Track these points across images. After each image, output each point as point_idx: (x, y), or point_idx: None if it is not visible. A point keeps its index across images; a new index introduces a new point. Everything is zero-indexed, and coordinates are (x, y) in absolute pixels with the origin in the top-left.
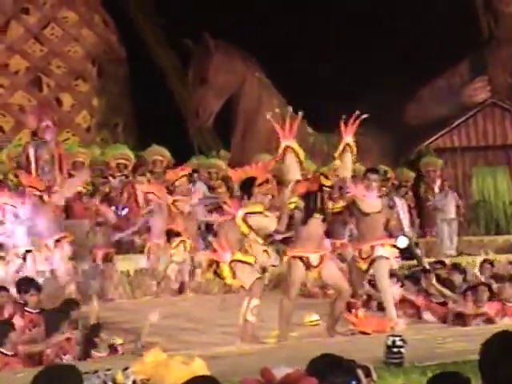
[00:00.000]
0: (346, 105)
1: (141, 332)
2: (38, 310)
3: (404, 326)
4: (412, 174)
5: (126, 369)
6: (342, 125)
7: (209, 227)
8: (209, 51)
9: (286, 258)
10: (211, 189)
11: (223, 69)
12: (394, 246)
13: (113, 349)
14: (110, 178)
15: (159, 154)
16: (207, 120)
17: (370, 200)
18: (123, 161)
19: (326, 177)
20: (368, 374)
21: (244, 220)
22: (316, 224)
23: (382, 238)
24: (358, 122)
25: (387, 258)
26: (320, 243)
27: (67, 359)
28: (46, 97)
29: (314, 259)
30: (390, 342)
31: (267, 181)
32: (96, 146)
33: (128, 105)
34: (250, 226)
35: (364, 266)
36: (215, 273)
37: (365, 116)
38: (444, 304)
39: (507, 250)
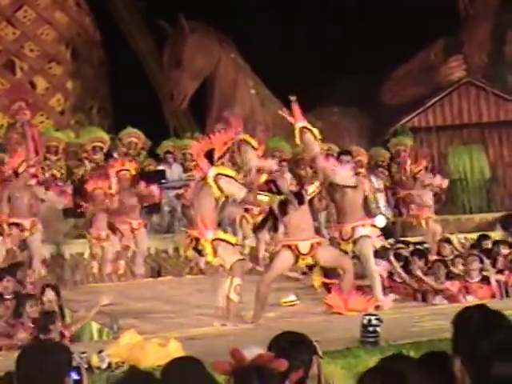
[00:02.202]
0: (323, 86)
1: (91, 313)
2: (12, 296)
3: (391, 304)
4: (387, 154)
5: (100, 351)
6: (288, 116)
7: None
8: (184, 33)
9: (278, 245)
10: (186, 170)
11: (198, 51)
12: (374, 225)
13: (62, 335)
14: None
15: (134, 136)
16: (182, 102)
17: (343, 172)
18: (99, 144)
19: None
20: (314, 351)
21: (215, 181)
22: (298, 211)
23: (362, 218)
24: (297, 107)
25: (369, 237)
26: (309, 230)
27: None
28: (19, 80)
29: (303, 247)
30: (365, 321)
31: (227, 150)
32: (71, 129)
33: (103, 88)
34: (221, 189)
35: (347, 247)
36: (195, 249)
37: (294, 98)
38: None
39: (484, 228)
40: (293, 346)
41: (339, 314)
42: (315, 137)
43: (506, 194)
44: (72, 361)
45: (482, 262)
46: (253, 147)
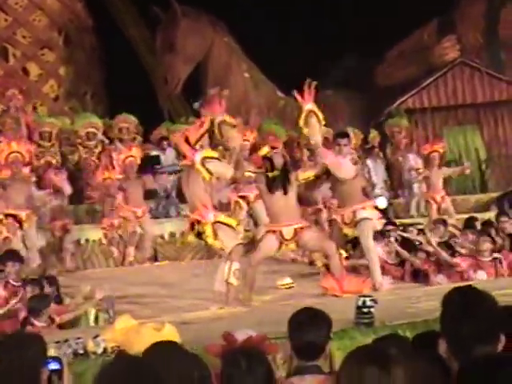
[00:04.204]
0: (317, 68)
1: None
2: (19, 283)
3: (389, 286)
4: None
5: (96, 336)
6: (298, 95)
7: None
8: (176, 17)
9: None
10: (180, 155)
11: (191, 35)
12: (376, 207)
13: (51, 320)
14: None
15: (125, 121)
16: (176, 87)
17: (345, 166)
18: (92, 129)
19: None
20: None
21: (203, 165)
22: (278, 198)
23: (362, 201)
24: (312, 89)
25: (370, 219)
26: (293, 216)
27: None
28: (12, 67)
29: (287, 233)
30: (360, 303)
31: (203, 134)
32: (65, 115)
33: (96, 74)
34: (209, 172)
35: (349, 232)
36: (198, 234)
37: (315, 83)
38: (400, 265)
39: (479, 209)
40: (312, 321)
41: (335, 296)
42: (320, 122)
43: (501, 175)
44: (47, 352)
45: (494, 242)
46: (233, 126)
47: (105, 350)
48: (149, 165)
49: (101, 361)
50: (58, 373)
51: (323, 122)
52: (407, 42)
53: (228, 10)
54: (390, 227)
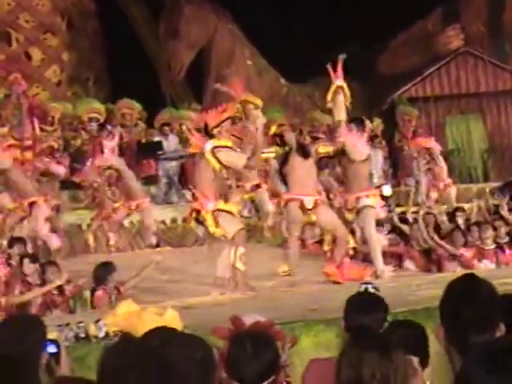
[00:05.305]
0: (320, 56)
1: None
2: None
3: (391, 274)
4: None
5: (98, 321)
6: (330, 69)
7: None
8: (180, 3)
9: (282, 203)
10: (183, 141)
11: (194, 21)
12: (381, 195)
13: (117, 289)
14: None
15: (127, 106)
16: (179, 72)
17: (360, 148)
18: (95, 115)
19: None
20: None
21: (213, 154)
22: (303, 166)
23: (367, 188)
24: (341, 65)
25: (373, 207)
26: (313, 187)
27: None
28: (15, 51)
29: (308, 202)
30: (362, 290)
31: (224, 120)
32: (67, 100)
33: (99, 59)
34: (220, 162)
35: (350, 217)
36: (196, 220)
37: (344, 56)
38: (426, 252)
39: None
40: (369, 305)
41: (337, 283)
42: (346, 100)
43: (503, 164)
44: (46, 335)
45: (495, 229)
46: (256, 106)
47: (107, 334)
48: (151, 151)
49: (102, 345)
50: (56, 357)
51: (349, 100)
52: (411, 31)
53: (230, 2)
54: (416, 212)
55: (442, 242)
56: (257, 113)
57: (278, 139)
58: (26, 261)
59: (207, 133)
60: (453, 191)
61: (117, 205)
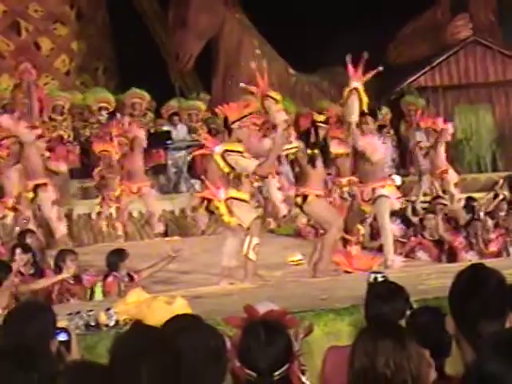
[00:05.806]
0: (328, 45)
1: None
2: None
3: (401, 264)
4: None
5: (108, 309)
6: (350, 68)
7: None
8: None
9: (309, 199)
10: (191, 131)
11: (203, 10)
12: (395, 185)
13: (130, 277)
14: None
15: (137, 96)
16: (188, 62)
17: (380, 149)
18: (104, 104)
19: (320, 113)
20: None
21: (223, 157)
22: (321, 163)
23: (382, 179)
24: (363, 65)
25: (388, 197)
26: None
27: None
28: (24, 41)
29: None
30: (371, 279)
31: (244, 116)
32: (76, 90)
33: (108, 48)
34: (229, 165)
35: (367, 209)
36: (207, 209)
37: (367, 56)
38: (439, 242)
39: (490, 188)
40: (390, 294)
41: (347, 272)
42: (361, 102)
43: None
44: (56, 323)
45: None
46: (276, 101)
47: (117, 322)
48: (160, 140)
49: (113, 333)
50: (66, 344)
51: (365, 104)
52: (420, 20)
53: None
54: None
55: (445, 234)
56: (277, 108)
57: (313, 130)
58: (18, 251)
59: (226, 125)
60: (452, 178)
61: (117, 193)
